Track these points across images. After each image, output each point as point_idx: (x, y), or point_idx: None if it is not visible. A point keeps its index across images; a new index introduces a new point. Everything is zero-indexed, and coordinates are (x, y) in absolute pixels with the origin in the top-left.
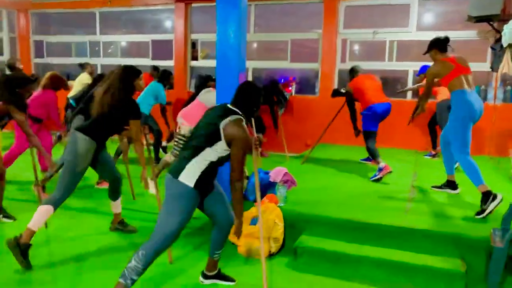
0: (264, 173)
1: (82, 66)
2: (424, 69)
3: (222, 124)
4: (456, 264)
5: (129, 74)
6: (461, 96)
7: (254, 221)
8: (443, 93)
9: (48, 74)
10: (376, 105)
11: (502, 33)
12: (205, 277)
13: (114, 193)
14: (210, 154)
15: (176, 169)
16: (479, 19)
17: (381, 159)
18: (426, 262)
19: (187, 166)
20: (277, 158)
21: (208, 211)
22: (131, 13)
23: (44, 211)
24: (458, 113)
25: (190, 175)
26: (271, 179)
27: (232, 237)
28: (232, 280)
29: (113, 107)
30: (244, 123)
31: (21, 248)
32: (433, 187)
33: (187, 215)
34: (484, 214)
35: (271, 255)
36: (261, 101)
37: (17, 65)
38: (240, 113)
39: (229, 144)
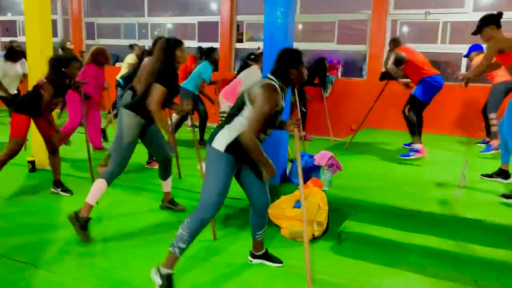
0: (308, 157)
1: (131, 47)
2: (474, 47)
3: (247, 90)
4: (510, 256)
5: (170, 45)
6: None
7: (298, 204)
8: (500, 75)
9: (91, 49)
10: (439, 77)
11: None
12: (253, 256)
13: (165, 172)
14: (241, 122)
15: (211, 137)
16: None
17: (419, 138)
18: (476, 252)
19: (219, 133)
20: (321, 142)
21: (245, 190)
22: None
23: (98, 185)
24: None
25: (221, 141)
26: (315, 163)
27: (276, 219)
28: (280, 262)
29: (155, 78)
30: (276, 88)
31: (80, 222)
32: (483, 175)
33: (223, 179)
34: (508, 200)
35: (314, 239)
36: (297, 62)
37: (67, 46)
38: (275, 80)
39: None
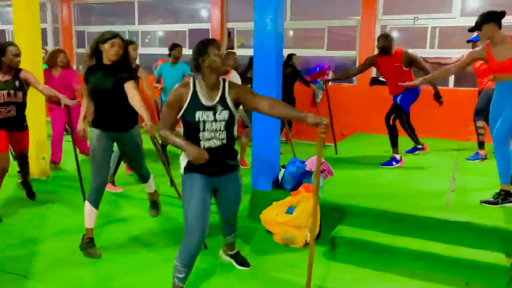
0: (300, 162)
1: None
2: (476, 38)
3: None
4: (500, 258)
5: (97, 40)
6: None
7: (290, 210)
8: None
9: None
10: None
11: None
12: (224, 252)
13: (142, 179)
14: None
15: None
16: None
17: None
18: (467, 255)
19: (181, 156)
20: (313, 147)
21: (216, 200)
22: (168, 3)
23: (87, 209)
24: None
25: (181, 164)
26: (307, 168)
27: (268, 226)
28: (247, 265)
29: (89, 82)
30: (184, 83)
31: (88, 245)
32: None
33: (195, 201)
34: (492, 206)
35: (306, 244)
36: (204, 49)
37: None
38: (194, 76)
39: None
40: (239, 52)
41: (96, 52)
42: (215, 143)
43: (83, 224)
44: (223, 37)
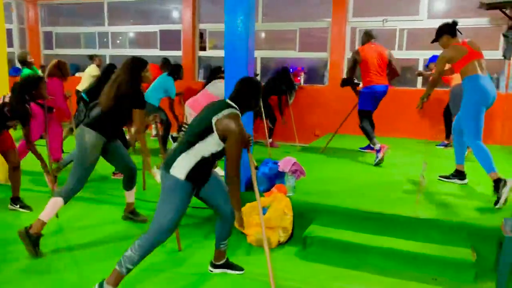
0: (273, 163)
1: (91, 58)
2: (434, 58)
3: (214, 118)
4: (466, 253)
5: (136, 66)
6: (474, 81)
7: (264, 211)
8: (456, 78)
9: (52, 62)
10: (376, 86)
11: None
12: (214, 266)
13: (129, 183)
14: (202, 149)
15: (168, 163)
16: (491, 6)
17: (376, 140)
18: (435, 251)
19: (178, 159)
20: (287, 148)
21: (209, 203)
22: (139, 4)
23: (53, 203)
24: (471, 98)
25: (181, 169)
26: (280, 169)
27: (240, 227)
28: (241, 269)
29: (119, 100)
30: (240, 118)
31: (31, 239)
32: (440, 176)
33: (179, 208)
34: (502, 201)
35: (280, 245)
36: (260, 95)
37: (28, 59)
38: (237, 108)
39: (223, 139)
40: (211, 53)
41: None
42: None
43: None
44: (194, 38)
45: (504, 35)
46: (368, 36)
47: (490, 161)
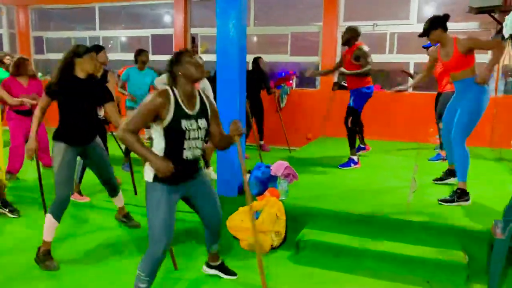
0: (265, 167)
1: None
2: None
3: None
4: (458, 256)
5: (69, 52)
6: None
7: (257, 215)
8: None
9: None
10: (372, 87)
11: (504, 24)
12: (208, 266)
13: (112, 192)
14: (155, 142)
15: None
16: (480, 10)
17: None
18: (427, 254)
19: (146, 163)
20: (279, 152)
21: (196, 211)
22: (130, 8)
23: (48, 222)
24: (479, 99)
25: (148, 171)
26: (272, 173)
27: (234, 232)
28: (234, 274)
29: (54, 93)
30: (159, 93)
31: (44, 258)
32: (435, 180)
33: (162, 210)
34: (448, 204)
35: (273, 249)
36: (177, 59)
37: (5, 61)
38: (168, 84)
39: (153, 119)
40: (204, 57)
41: (68, 66)
42: (195, 152)
43: (42, 237)
44: (186, 42)
45: (493, 39)
46: (358, 34)
47: (467, 169)
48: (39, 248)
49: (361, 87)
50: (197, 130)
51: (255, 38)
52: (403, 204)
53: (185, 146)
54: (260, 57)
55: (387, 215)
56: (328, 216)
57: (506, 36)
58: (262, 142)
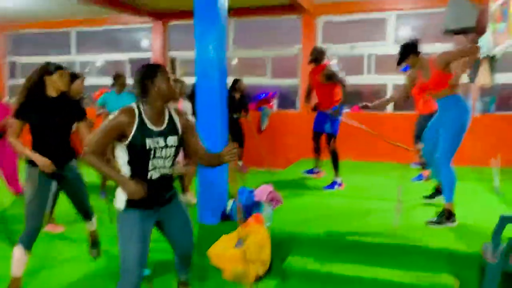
0: (249, 192)
1: None
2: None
3: None
4: (448, 280)
5: (39, 70)
6: (462, 101)
7: (240, 243)
8: (426, 106)
9: None
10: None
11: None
12: None
13: (85, 217)
14: (121, 159)
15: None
16: (455, 32)
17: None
18: (417, 279)
19: (118, 188)
20: (260, 174)
21: (167, 237)
22: (107, 32)
23: (17, 255)
24: (460, 117)
25: (119, 198)
26: (256, 198)
27: (217, 262)
28: None
29: (24, 114)
30: (123, 110)
31: None
32: (425, 197)
33: (135, 240)
34: (435, 226)
35: (258, 278)
36: (152, 73)
37: None
38: (137, 103)
39: (117, 138)
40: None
41: (38, 84)
42: (162, 171)
43: (8, 272)
44: (165, 66)
45: None
46: (325, 52)
47: (454, 189)
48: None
49: (334, 106)
50: (165, 148)
51: (234, 60)
52: (390, 228)
53: (150, 166)
54: (239, 79)
55: (374, 240)
56: (315, 242)
57: (481, 57)
58: (240, 163)
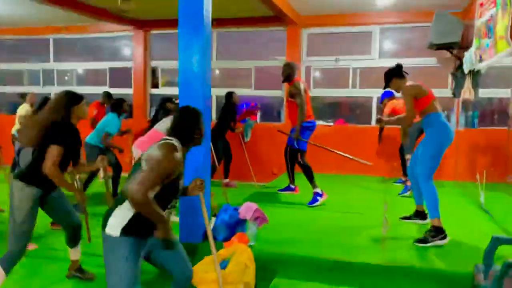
0: (233, 210)
1: (22, 97)
2: (386, 94)
3: (145, 155)
4: None
5: (66, 99)
6: (440, 119)
7: (224, 264)
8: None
9: None
10: (313, 121)
11: (464, 60)
12: None
13: (73, 240)
14: None
15: (104, 220)
16: (440, 47)
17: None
18: None
19: (113, 214)
20: (245, 188)
21: (160, 265)
22: (87, 40)
23: None
24: (437, 137)
25: (115, 224)
26: (241, 216)
27: (199, 285)
28: None
29: (50, 138)
30: (175, 147)
31: None
32: (402, 218)
33: (127, 268)
34: (424, 245)
35: None
36: (199, 124)
37: None
38: (175, 140)
39: None
40: (164, 90)
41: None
42: (172, 209)
43: None
44: (146, 76)
45: (453, 74)
46: (296, 68)
47: (437, 206)
48: None
49: (304, 122)
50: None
51: (217, 71)
52: (377, 246)
53: (170, 204)
54: (233, 92)
55: (362, 260)
56: (301, 263)
57: (466, 71)
58: (227, 180)
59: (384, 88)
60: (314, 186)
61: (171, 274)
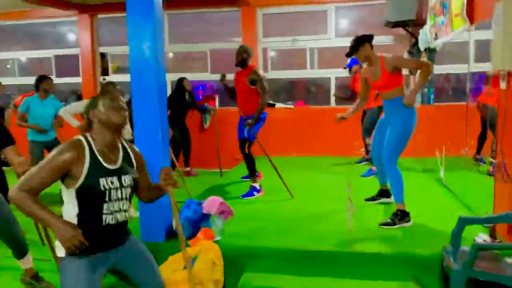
0: (196, 204)
1: None
2: (354, 61)
3: None
4: (409, 287)
5: None
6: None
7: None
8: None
9: None
10: (266, 113)
11: (419, 38)
12: None
13: (19, 252)
14: (68, 203)
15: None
16: (395, 24)
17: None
18: None
19: None
20: (208, 176)
21: (125, 278)
22: (28, 26)
23: None
24: (408, 121)
25: (59, 244)
26: (205, 211)
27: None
28: None
29: None
30: (74, 142)
31: None
32: (366, 200)
33: None
34: (390, 227)
35: None
36: (95, 100)
37: None
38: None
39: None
40: (116, 77)
41: None
42: (118, 216)
43: None
44: (95, 63)
45: (409, 52)
46: (252, 52)
47: (402, 189)
48: None
49: (251, 114)
50: (120, 189)
51: (170, 55)
52: (345, 232)
53: (105, 210)
54: (184, 78)
55: (331, 248)
56: (270, 255)
57: (421, 49)
58: (188, 169)
59: (348, 56)
60: (253, 180)
61: (142, 286)
